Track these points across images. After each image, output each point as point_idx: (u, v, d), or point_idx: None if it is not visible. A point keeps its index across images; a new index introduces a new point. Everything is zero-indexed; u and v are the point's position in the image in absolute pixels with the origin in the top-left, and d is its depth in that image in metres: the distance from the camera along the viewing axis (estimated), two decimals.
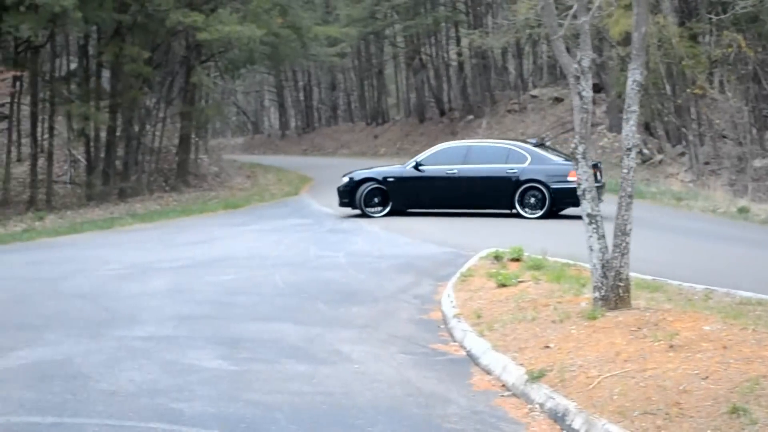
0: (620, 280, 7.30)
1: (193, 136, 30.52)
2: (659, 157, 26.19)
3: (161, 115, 29.63)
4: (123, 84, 26.09)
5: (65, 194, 26.17)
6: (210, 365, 6.81)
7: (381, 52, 47.57)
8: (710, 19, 24.36)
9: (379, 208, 16.88)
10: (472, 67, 39.38)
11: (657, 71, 24.29)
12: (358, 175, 17.16)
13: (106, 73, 28.38)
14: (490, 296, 8.86)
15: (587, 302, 7.65)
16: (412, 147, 36.84)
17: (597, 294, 7.39)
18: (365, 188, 16.91)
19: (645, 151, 25.70)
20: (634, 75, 7.39)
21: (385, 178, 16.95)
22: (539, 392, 5.90)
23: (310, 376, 6.51)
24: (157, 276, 11.16)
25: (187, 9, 24.33)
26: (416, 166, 16.87)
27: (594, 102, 13.94)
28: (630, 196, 7.36)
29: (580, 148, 7.58)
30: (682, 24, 25.18)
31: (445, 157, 16.91)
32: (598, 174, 15.31)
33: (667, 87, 25.59)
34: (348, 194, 17.07)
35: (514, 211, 16.03)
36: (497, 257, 10.76)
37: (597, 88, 26.69)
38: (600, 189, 14.37)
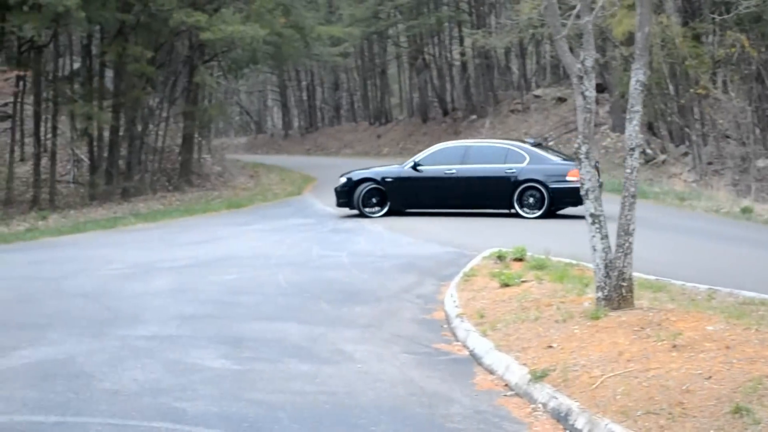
0: (623, 279, 7.30)
1: (196, 135, 30.50)
2: (662, 157, 26.16)
3: (164, 114, 29.62)
4: (126, 84, 26.10)
5: (68, 194, 26.16)
6: (213, 365, 6.81)
7: (384, 52, 47.59)
8: (713, 19, 24.30)
9: (377, 209, 16.84)
10: (475, 66, 39.36)
11: (660, 71, 24.28)
12: (356, 175, 17.13)
13: (109, 73, 28.39)
14: (493, 296, 8.86)
15: (590, 302, 7.64)
16: (415, 147, 36.76)
17: (600, 294, 7.39)
18: (363, 188, 16.88)
19: (648, 151, 25.68)
20: (637, 75, 7.39)
21: (383, 178, 16.92)
22: (542, 392, 5.90)
23: (313, 375, 6.51)
24: (160, 275, 11.17)
25: (191, 9, 24.34)
26: (414, 166, 16.83)
27: (597, 102, 13.92)
28: (633, 196, 7.36)
29: (583, 148, 7.58)
30: (685, 24, 25.15)
31: (443, 157, 16.87)
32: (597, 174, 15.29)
33: (671, 87, 25.56)
34: (346, 194, 17.05)
35: (512, 211, 16.02)
36: (500, 257, 10.76)
37: (600, 88, 26.66)
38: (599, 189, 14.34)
